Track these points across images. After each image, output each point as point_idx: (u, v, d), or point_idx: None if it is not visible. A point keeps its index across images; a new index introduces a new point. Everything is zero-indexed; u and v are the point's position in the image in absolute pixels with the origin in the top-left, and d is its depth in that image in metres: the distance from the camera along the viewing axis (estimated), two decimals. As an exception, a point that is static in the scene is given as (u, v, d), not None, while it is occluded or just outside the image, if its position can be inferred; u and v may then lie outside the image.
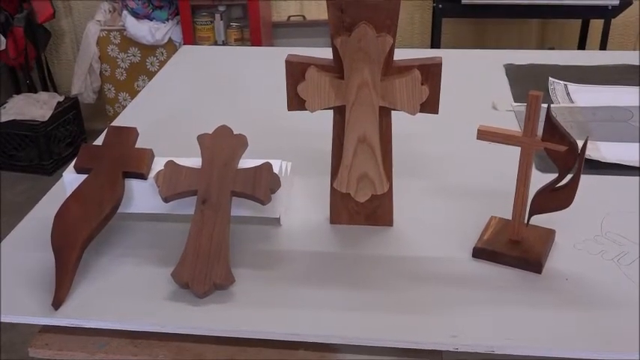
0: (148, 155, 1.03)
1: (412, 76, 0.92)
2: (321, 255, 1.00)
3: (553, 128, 0.89)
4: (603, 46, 2.89)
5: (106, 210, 0.96)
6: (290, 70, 0.95)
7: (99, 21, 3.28)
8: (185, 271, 0.90)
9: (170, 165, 1.00)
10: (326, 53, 0.96)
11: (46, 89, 3.57)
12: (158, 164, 1.03)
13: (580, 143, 0.89)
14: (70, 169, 1.03)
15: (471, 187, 1.16)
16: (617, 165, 1.21)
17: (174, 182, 0.98)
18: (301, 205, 1.11)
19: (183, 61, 1.84)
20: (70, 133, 3.42)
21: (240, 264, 0.97)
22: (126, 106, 3.39)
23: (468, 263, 0.97)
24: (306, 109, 0.97)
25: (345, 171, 0.99)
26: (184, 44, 3.19)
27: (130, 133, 1.06)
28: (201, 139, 1.03)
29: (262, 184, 0.97)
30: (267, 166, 0.99)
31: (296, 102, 0.96)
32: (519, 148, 0.92)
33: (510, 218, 0.99)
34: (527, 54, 1.82)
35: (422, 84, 0.93)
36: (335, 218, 1.06)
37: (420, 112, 0.95)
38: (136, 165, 1.01)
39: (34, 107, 3.26)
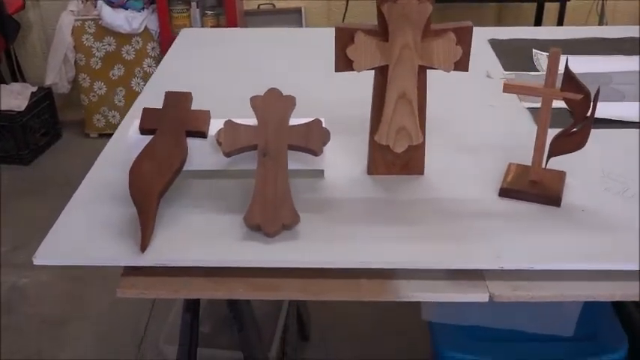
0: (206, 116, 1.13)
1: (448, 37, 1.05)
2: (365, 200, 1.12)
3: (571, 80, 1.03)
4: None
5: (176, 165, 1.06)
6: (339, 35, 1.07)
7: (72, 11, 3.31)
8: (255, 214, 1.01)
9: (229, 123, 1.10)
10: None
11: (15, 80, 3.57)
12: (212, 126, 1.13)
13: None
14: (135, 130, 1.12)
15: (483, 142, 1.30)
16: (606, 120, 1.37)
17: (235, 138, 1.09)
18: (339, 160, 1.22)
19: (186, 43, 1.92)
20: (44, 124, 3.43)
21: (298, 210, 1.08)
22: (102, 95, 3.45)
23: (496, 201, 1.11)
24: (352, 70, 1.09)
25: (386, 124, 1.11)
26: (160, 32, 3.25)
27: (186, 97, 1.16)
28: (253, 100, 1.14)
29: (315, 137, 1.09)
30: (318, 122, 1.11)
31: (343, 64, 1.08)
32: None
33: (524, 164, 1.14)
34: (506, 30, 1.98)
35: (456, 44, 1.06)
36: (373, 169, 1.18)
37: (453, 70, 1.09)
38: (196, 124, 1.11)
39: (9, 98, 3.27)
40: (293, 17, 3.56)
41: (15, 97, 3.27)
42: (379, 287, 0.99)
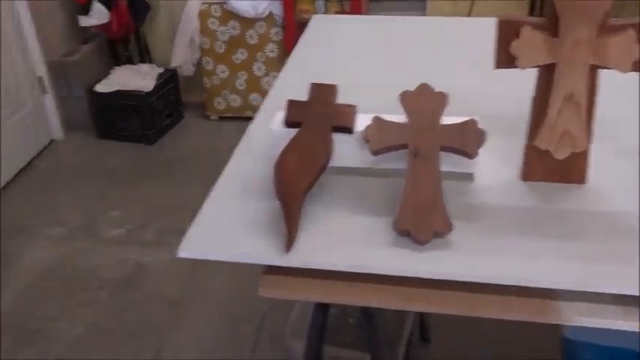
0: (352, 110, 1.08)
1: (627, 34, 0.95)
2: (520, 209, 1.03)
3: None
4: None
5: (322, 161, 1.01)
6: (502, 29, 0.98)
7: (199, -6, 3.36)
8: (406, 219, 0.95)
9: (377, 120, 1.05)
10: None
11: (142, 62, 3.68)
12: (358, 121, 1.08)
13: None
14: (278, 123, 1.09)
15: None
16: None
17: (383, 136, 1.03)
18: (489, 163, 1.14)
19: (319, 30, 1.88)
20: (168, 105, 3.52)
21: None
22: (224, 78, 3.50)
23: (670, 218, 1.00)
24: (513, 67, 1.00)
25: (549, 128, 1.02)
26: (284, 18, 3.24)
27: (331, 90, 1.11)
28: (403, 96, 1.08)
29: (470, 139, 1.01)
30: (473, 122, 1.03)
31: (504, 60, 1.00)
32: None
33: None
34: None
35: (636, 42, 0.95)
36: (528, 175, 1.09)
37: (630, 70, 0.98)
38: (342, 119, 1.06)
39: (137, 78, 3.37)
40: (415, 3, 3.47)
41: (143, 78, 3.37)
42: (537, 307, 0.91)
